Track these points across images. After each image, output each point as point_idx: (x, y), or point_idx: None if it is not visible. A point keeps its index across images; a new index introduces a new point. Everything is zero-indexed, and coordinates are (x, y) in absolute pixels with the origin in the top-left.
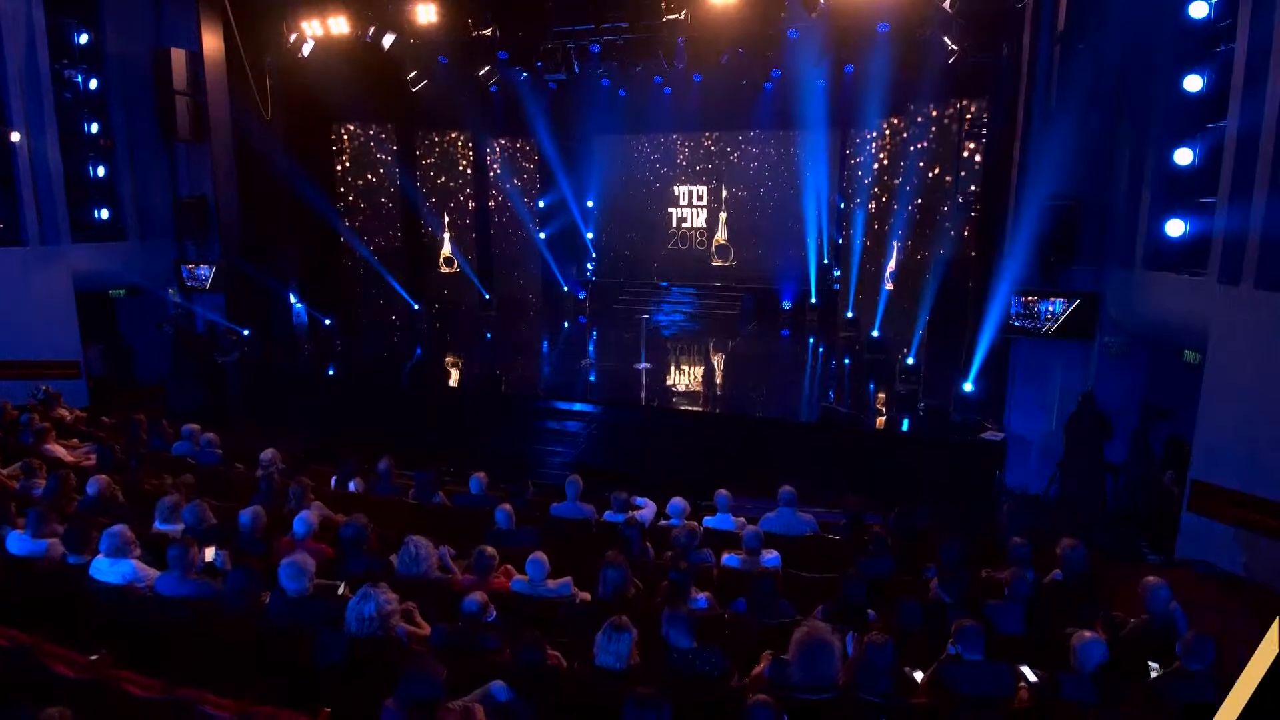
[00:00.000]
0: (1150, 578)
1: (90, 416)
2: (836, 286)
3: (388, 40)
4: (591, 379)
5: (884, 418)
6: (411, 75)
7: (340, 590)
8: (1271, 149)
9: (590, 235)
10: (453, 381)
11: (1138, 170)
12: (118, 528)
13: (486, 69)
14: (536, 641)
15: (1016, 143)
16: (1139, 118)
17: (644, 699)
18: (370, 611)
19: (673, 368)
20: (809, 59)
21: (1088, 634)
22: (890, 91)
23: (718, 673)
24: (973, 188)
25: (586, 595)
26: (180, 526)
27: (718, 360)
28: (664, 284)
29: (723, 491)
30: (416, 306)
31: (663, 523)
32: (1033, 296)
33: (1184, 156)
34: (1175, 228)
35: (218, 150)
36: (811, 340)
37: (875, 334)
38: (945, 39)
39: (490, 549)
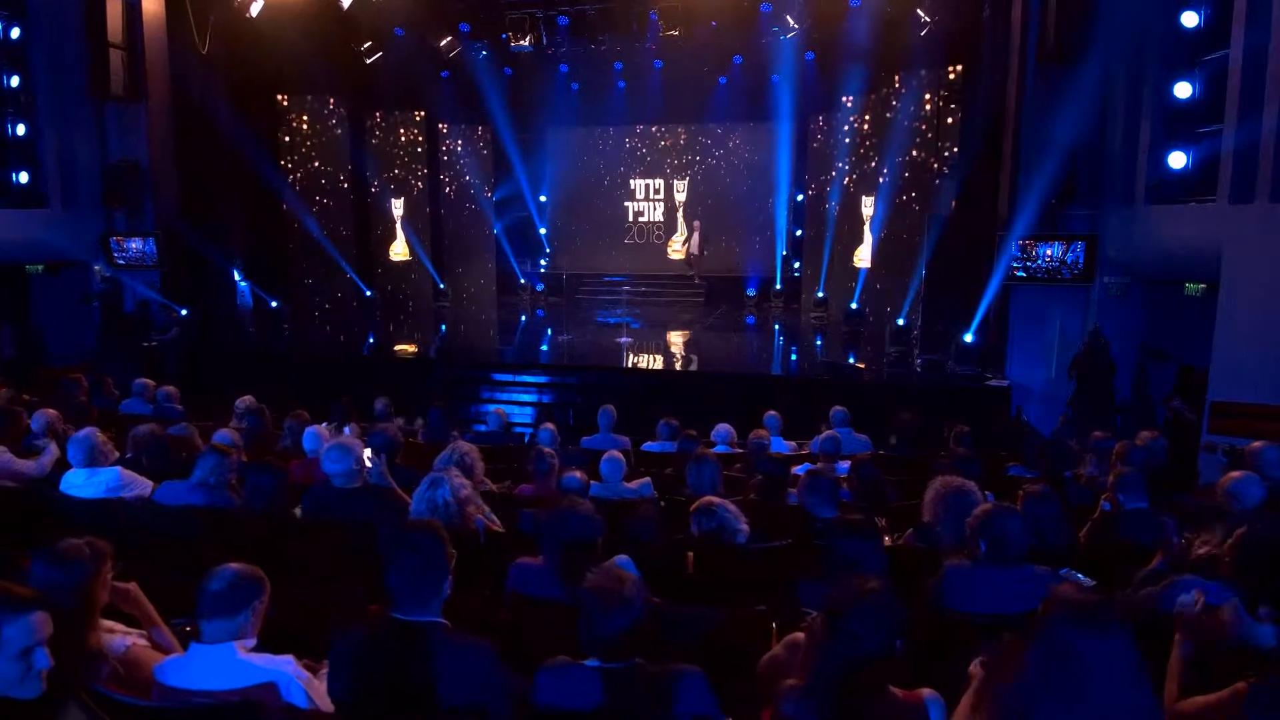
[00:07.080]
0: (1257, 443)
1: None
2: (798, 275)
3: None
4: (554, 349)
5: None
6: (366, 45)
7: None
8: None
9: (544, 230)
10: (415, 358)
11: (1134, 108)
12: (85, 431)
13: (448, 39)
14: (649, 518)
15: (1011, 94)
16: (1135, 58)
17: (851, 525)
18: (446, 495)
19: (647, 345)
20: (779, 34)
21: (1238, 473)
22: (862, 69)
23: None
24: (956, 149)
25: None
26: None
27: (689, 342)
28: (622, 276)
29: (773, 413)
30: (369, 293)
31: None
32: (1031, 240)
33: (1183, 90)
34: (1177, 159)
35: (154, 111)
36: (779, 325)
37: (854, 306)
38: (919, 10)
39: (548, 450)
